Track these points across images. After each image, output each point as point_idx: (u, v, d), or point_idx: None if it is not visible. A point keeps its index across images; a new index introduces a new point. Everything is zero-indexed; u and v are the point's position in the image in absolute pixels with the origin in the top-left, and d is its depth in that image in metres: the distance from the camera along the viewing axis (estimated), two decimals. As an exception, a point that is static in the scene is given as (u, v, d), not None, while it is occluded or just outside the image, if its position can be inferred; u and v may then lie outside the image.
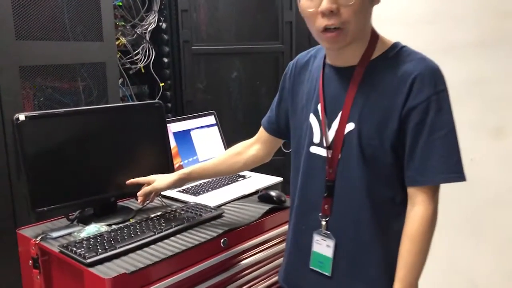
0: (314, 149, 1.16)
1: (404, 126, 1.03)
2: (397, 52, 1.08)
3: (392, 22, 2.33)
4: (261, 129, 1.42)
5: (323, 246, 1.15)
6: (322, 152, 1.14)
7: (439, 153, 1.01)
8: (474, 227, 2.20)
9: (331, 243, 1.14)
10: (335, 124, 1.11)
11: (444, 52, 2.14)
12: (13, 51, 1.58)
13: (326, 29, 1.03)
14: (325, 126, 1.13)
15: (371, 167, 1.07)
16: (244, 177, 1.93)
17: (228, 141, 2.70)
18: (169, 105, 2.68)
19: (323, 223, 1.15)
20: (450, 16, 2.11)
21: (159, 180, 1.45)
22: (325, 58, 1.18)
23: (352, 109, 1.08)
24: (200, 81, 2.80)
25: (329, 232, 1.14)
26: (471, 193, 2.08)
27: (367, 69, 1.08)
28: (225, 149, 2.05)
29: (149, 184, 1.46)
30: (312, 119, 1.16)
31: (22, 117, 1.35)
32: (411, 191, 1.06)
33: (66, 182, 1.43)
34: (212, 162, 1.47)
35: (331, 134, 1.12)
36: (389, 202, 1.10)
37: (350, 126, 1.09)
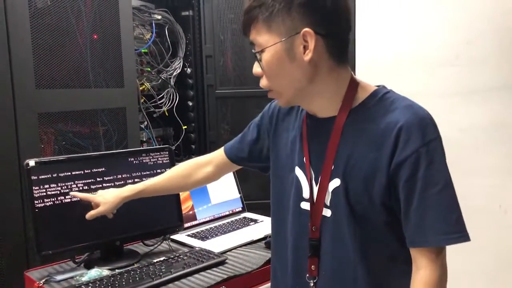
0: (304, 205, 1.07)
1: (394, 182, 0.94)
2: (380, 99, 0.99)
3: (412, 65, 2.31)
4: (221, 154, 1.34)
5: None
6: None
7: (436, 212, 0.91)
8: (506, 276, 2.06)
9: None
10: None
11: (465, 95, 2.09)
12: (32, 99, 1.68)
13: None
14: (311, 181, 1.05)
15: (363, 226, 0.98)
16: (256, 221, 1.91)
17: (252, 179, 2.72)
18: (193, 146, 2.73)
19: (311, 284, 1.06)
20: (471, 59, 2.07)
21: (105, 204, 1.37)
22: None
23: (336, 164, 1.00)
24: (226, 122, 2.85)
25: None
26: (502, 241, 1.97)
27: (348, 119, 1.00)
28: (239, 192, 2.05)
29: (96, 204, 1.38)
30: (299, 172, 1.09)
31: (32, 162, 1.41)
32: (413, 252, 0.96)
33: (72, 226, 1.47)
34: (162, 181, 1.40)
35: (317, 189, 1.04)
36: (387, 262, 1.01)
37: (335, 182, 1.00)
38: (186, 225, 1.79)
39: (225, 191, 2.01)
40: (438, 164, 0.92)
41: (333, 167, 1.00)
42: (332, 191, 1.01)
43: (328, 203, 1.02)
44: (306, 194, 1.07)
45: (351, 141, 0.99)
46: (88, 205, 1.39)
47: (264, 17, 0.95)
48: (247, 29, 0.99)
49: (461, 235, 0.92)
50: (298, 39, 0.94)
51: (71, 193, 1.45)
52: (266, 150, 1.24)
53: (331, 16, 0.95)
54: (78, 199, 1.45)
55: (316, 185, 1.04)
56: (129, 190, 1.39)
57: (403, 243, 0.97)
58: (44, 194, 1.43)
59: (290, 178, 1.11)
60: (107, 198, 1.38)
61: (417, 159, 0.91)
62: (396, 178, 0.93)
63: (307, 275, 1.06)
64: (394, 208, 0.96)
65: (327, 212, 1.02)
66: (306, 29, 0.92)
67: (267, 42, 0.96)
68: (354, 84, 1.02)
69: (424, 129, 0.92)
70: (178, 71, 2.63)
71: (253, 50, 0.99)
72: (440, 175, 0.92)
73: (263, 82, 1.02)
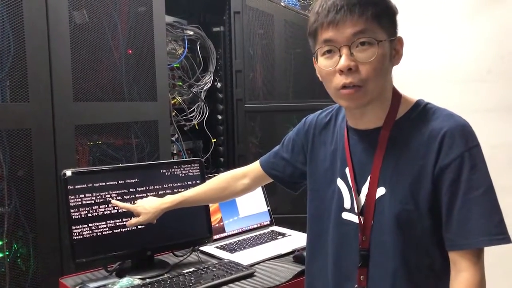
0: (346, 215, 1.11)
1: (438, 186, 0.98)
2: (422, 110, 1.05)
3: (444, 80, 2.30)
4: (257, 167, 1.40)
5: None
6: (354, 218, 1.09)
7: (479, 214, 0.95)
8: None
9: None
10: (365, 189, 1.07)
11: (498, 111, 2.06)
12: (70, 111, 1.74)
13: (344, 87, 1.00)
14: (355, 191, 1.09)
15: (406, 233, 1.01)
16: (284, 235, 1.92)
17: (280, 193, 2.73)
18: (222, 159, 2.77)
19: None
20: (503, 75, 2.04)
21: (146, 214, 1.42)
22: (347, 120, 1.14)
23: (382, 173, 1.04)
24: (254, 136, 2.87)
25: None
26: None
27: (393, 130, 1.05)
28: (267, 206, 2.06)
29: (137, 214, 1.44)
30: (340, 183, 1.12)
31: (68, 172, 1.47)
32: (453, 256, 0.98)
33: (106, 236, 1.51)
34: (201, 192, 1.46)
35: (361, 199, 1.08)
36: (426, 270, 1.03)
37: (381, 191, 1.04)
38: (215, 237, 1.81)
39: (254, 204, 2.02)
40: (481, 168, 0.97)
41: (378, 177, 1.04)
42: (377, 200, 1.04)
43: None
44: (347, 204, 1.10)
45: (396, 152, 1.03)
46: (129, 214, 1.46)
47: (380, 12, 0.98)
48: (358, 16, 0.96)
49: (504, 237, 0.95)
50: (394, 42, 1.02)
51: (113, 201, 1.50)
52: (300, 165, 1.28)
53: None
54: (116, 209, 1.52)
55: (359, 195, 1.08)
56: (169, 201, 1.44)
57: (442, 250, 1.00)
58: (80, 203, 1.48)
59: (330, 190, 1.15)
60: (147, 209, 1.43)
61: (460, 163, 0.96)
62: (440, 182, 0.97)
63: (356, 285, 1.08)
64: (438, 213, 0.99)
65: None
66: (400, 36, 1.03)
67: (380, 36, 0.99)
68: (398, 96, 1.08)
69: (467, 136, 0.98)
70: (209, 86, 2.67)
71: (361, 40, 0.97)
72: (482, 179, 0.96)
73: (358, 77, 0.98)
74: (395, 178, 1.02)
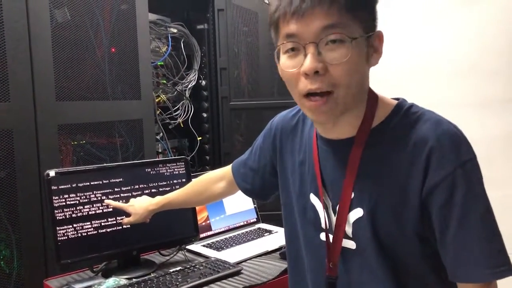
0: (324, 236, 0.97)
1: (427, 209, 0.83)
2: (404, 115, 0.88)
3: (427, 74, 2.32)
4: (230, 170, 1.29)
5: None
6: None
7: (478, 242, 0.80)
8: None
9: None
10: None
11: (479, 107, 2.09)
12: (53, 111, 1.71)
13: (309, 94, 0.83)
14: (327, 210, 0.95)
15: (391, 259, 0.88)
16: (270, 232, 1.92)
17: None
18: (207, 157, 2.76)
19: None
20: (486, 71, 2.07)
21: (135, 215, 1.44)
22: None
23: (357, 192, 0.89)
24: (239, 134, 2.87)
25: None
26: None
27: (368, 141, 0.88)
28: (254, 203, 2.06)
29: (127, 214, 1.46)
30: (314, 200, 0.98)
31: (52, 173, 1.45)
32: (459, 285, 0.85)
33: (91, 236, 1.50)
34: (181, 196, 1.42)
35: (335, 221, 0.94)
36: None
37: (357, 213, 0.89)
38: (201, 235, 1.81)
39: (240, 201, 2.02)
40: (477, 187, 0.82)
41: (353, 195, 0.90)
42: (354, 222, 0.90)
43: (350, 235, 0.92)
44: (324, 224, 0.97)
45: (374, 167, 0.88)
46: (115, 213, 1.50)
47: (355, 3, 0.80)
48: (329, 7, 0.78)
49: (507, 268, 0.81)
50: (372, 39, 0.85)
51: (106, 201, 1.51)
52: (268, 176, 1.17)
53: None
54: (101, 209, 1.51)
55: (335, 215, 0.94)
56: (155, 203, 1.44)
57: (436, 272, 0.89)
58: (64, 203, 1.46)
59: (300, 205, 1.02)
60: (136, 209, 1.45)
61: (452, 182, 0.80)
62: (429, 204, 0.83)
63: None
64: (429, 238, 0.86)
65: (350, 244, 0.92)
66: (380, 30, 0.85)
67: (355, 32, 0.81)
68: (374, 99, 0.91)
69: (459, 147, 0.82)
70: (193, 83, 2.66)
71: (331, 37, 0.80)
72: (479, 200, 0.82)
73: (328, 81, 0.81)
74: (374, 198, 0.87)
